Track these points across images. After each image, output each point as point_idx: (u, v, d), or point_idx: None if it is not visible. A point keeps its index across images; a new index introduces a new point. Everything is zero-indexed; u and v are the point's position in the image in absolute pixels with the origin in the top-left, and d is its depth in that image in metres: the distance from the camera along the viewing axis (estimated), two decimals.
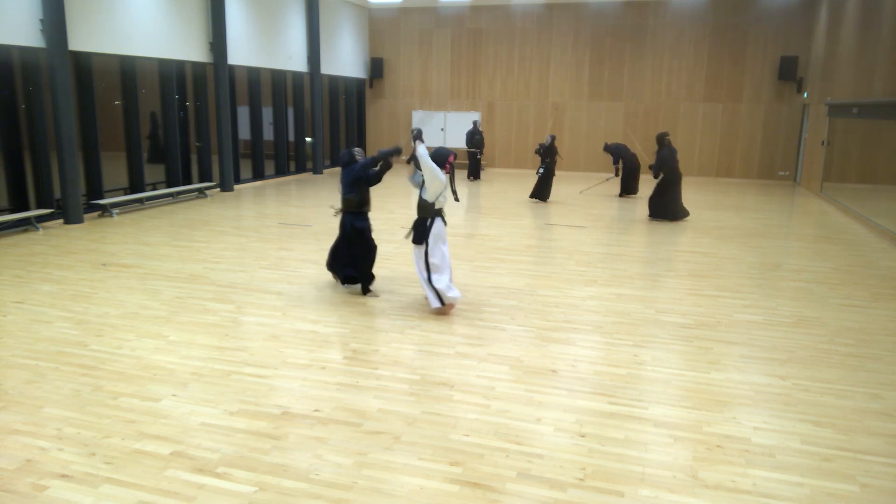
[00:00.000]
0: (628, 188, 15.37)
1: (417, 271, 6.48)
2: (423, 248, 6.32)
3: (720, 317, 6.48)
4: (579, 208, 13.26)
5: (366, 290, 7.01)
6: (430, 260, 6.27)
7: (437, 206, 6.31)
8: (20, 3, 9.82)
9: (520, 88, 20.14)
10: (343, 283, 7.22)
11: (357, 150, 6.94)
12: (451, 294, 6.35)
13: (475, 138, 17.65)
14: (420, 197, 6.39)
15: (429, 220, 6.30)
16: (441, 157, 6.36)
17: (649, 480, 3.63)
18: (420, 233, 6.33)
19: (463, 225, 11.50)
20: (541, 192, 14.06)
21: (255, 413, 4.35)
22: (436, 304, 6.37)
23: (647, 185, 16.85)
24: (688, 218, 11.98)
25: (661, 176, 11.84)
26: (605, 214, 12.58)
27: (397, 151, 6.82)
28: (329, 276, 7.78)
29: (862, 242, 10.25)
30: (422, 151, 6.20)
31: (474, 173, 17.99)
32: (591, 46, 19.29)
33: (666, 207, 11.83)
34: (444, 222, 6.41)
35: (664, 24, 18.62)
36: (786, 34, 17.71)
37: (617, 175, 15.48)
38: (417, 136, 6.45)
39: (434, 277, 6.28)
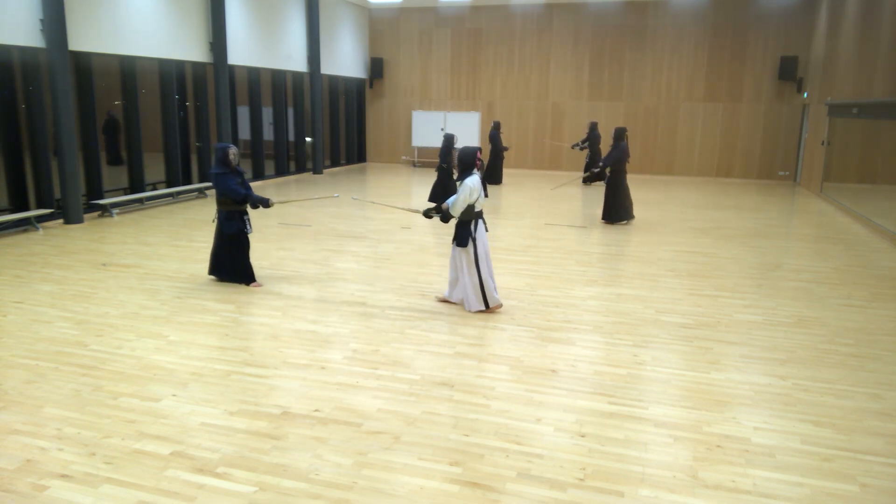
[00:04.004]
0: (598, 178, 15.81)
1: (460, 275, 6.47)
2: (470, 250, 6.33)
3: (720, 317, 6.48)
4: (578, 208, 13.25)
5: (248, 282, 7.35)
6: (480, 262, 6.33)
7: (476, 209, 6.36)
8: (20, 3, 9.82)
9: (520, 88, 20.14)
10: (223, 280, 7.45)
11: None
12: (496, 296, 6.48)
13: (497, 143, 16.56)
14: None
15: (472, 224, 6.34)
16: (470, 158, 6.36)
17: (649, 480, 3.63)
18: (464, 236, 6.35)
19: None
20: (435, 199, 12.39)
21: (255, 413, 4.35)
22: (478, 306, 6.41)
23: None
24: (633, 221, 11.52)
25: (609, 175, 11.32)
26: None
27: (265, 204, 7.11)
28: (328, 276, 7.79)
29: (862, 242, 10.25)
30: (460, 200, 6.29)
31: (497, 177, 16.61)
32: (591, 46, 19.29)
33: (621, 208, 11.37)
34: (486, 226, 6.49)
35: (664, 24, 18.62)
36: (786, 34, 17.71)
37: (583, 148, 16.74)
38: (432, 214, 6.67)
39: (485, 278, 6.34)
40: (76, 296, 6.88)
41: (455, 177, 6.65)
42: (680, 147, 19.09)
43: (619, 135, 11.42)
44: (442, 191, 12.32)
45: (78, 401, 4.50)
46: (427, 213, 6.83)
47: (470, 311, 6.46)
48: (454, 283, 6.66)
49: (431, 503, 3.41)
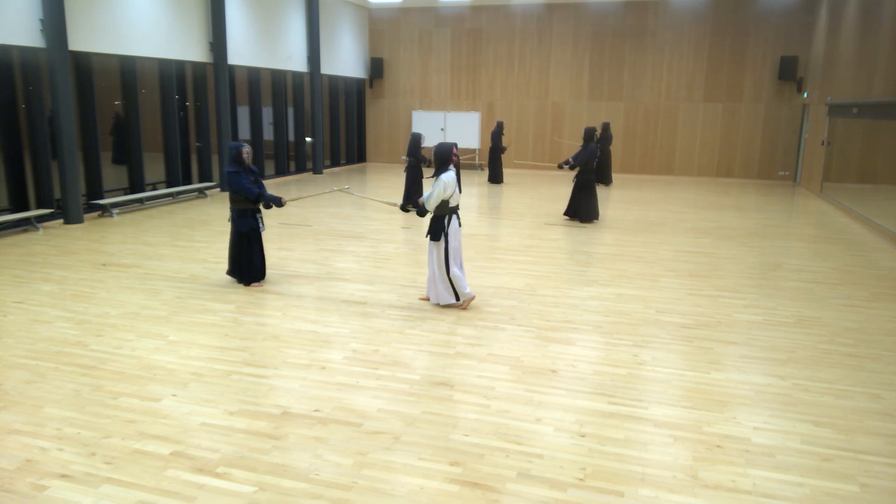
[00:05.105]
0: (605, 178, 15.79)
1: (431, 269, 6.56)
2: (441, 244, 6.41)
3: (720, 317, 6.48)
4: None
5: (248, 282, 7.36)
6: (451, 257, 6.40)
7: (451, 205, 6.42)
8: (20, 3, 9.82)
9: (520, 88, 20.13)
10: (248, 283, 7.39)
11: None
12: (466, 290, 6.52)
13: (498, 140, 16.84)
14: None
15: (446, 218, 6.40)
16: (446, 154, 6.41)
17: (649, 480, 3.62)
18: (437, 230, 6.42)
19: (463, 224, 11.47)
20: (409, 196, 12.37)
21: (255, 413, 4.35)
22: (449, 300, 6.50)
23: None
24: (596, 221, 11.53)
25: (578, 172, 11.34)
26: (603, 214, 12.56)
27: (278, 203, 7.21)
28: (328, 276, 7.79)
29: (862, 242, 10.25)
30: (434, 194, 6.34)
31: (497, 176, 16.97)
32: (591, 46, 19.29)
33: (589, 207, 11.39)
34: (459, 221, 6.53)
35: (664, 24, 18.62)
36: (786, 34, 17.71)
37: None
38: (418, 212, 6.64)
39: (453, 271, 6.40)
40: (76, 296, 6.88)
41: (431, 174, 6.72)
42: (680, 147, 19.09)
43: (590, 135, 11.36)
44: (414, 190, 12.52)
45: (78, 401, 4.50)
46: (404, 208, 7.03)
47: (439, 305, 6.55)
48: (432, 279, 6.71)
49: (431, 503, 3.41)
